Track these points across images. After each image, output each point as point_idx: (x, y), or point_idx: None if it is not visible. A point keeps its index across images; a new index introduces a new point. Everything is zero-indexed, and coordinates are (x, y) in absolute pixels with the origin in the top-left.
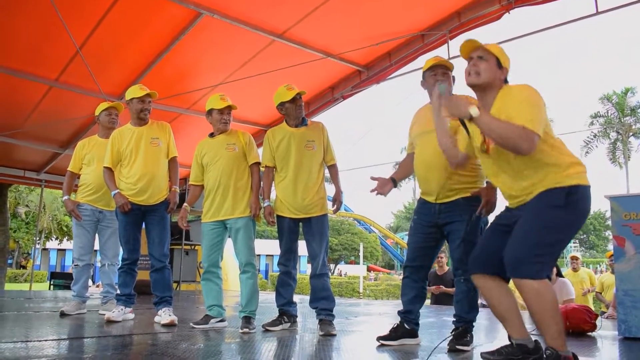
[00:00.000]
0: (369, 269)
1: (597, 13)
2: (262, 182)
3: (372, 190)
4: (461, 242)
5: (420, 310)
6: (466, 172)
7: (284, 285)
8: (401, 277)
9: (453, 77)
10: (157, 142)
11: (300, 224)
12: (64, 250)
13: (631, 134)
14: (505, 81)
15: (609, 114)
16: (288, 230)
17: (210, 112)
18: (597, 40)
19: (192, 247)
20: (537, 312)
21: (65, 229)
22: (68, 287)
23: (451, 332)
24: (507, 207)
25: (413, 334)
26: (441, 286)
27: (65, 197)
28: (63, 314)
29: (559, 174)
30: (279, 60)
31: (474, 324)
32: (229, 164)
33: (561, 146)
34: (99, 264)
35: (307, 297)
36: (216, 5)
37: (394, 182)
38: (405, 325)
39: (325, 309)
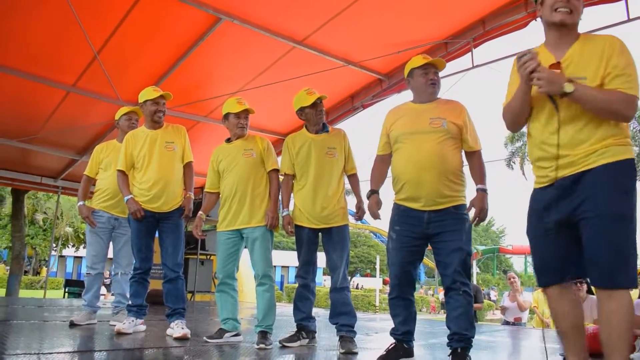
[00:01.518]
0: (384, 282)
1: (629, 20)
2: (280, 190)
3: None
4: (458, 252)
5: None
6: (458, 180)
7: (303, 299)
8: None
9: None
10: (172, 147)
11: (320, 234)
12: (81, 257)
13: None
14: None
15: (632, 128)
16: (307, 241)
17: (226, 117)
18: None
19: (208, 256)
20: (624, 326)
21: (82, 236)
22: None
23: (449, 355)
24: (540, 194)
25: (410, 353)
26: None
27: (80, 203)
28: (73, 324)
29: (622, 139)
30: (298, 67)
31: (472, 342)
32: (246, 170)
33: None
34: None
35: (323, 311)
36: (236, 10)
37: (377, 192)
38: (405, 345)
39: (346, 325)
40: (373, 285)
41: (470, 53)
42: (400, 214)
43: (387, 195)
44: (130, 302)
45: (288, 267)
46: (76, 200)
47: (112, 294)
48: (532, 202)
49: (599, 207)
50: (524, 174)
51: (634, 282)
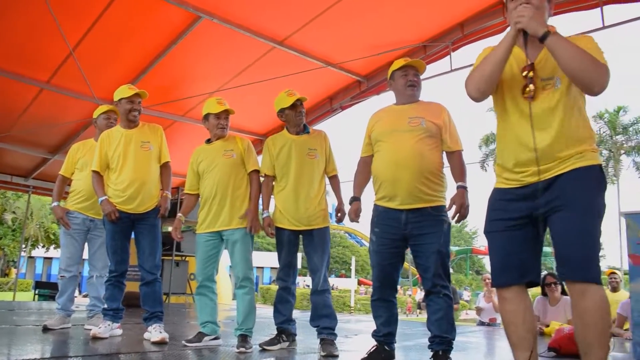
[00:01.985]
0: (359, 283)
1: (603, 27)
2: (260, 192)
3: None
4: (437, 255)
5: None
6: (436, 180)
7: (283, 302)
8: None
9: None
10: (147, 146)
11: (301, 236)
12: (51, 258)
13: (622, 152)
14: None
15: (601, 132)
16: (288, 243)
17: (206, 117)
18: None
19: (183, 258)
20: (597, 325)
21: (52, 237)
22: (53, 298)
23: (431, 357)
24: (501, 194)
25: (391, 355)
26: None
27: (55, 204)
28: (46, 329)
29: (591, 146)
30: (278, 67)
31: (453, 345)
32: (227, 171)
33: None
34: (86, 275)
35: (300, 313)
36: (216, 9)
37: (359, 199)
38: (386, 347)
39: (327, 328)
40: (348, 286)
41: (448, 56)
42: (379, 215)
43: (370, 198)
44: (105, 306)
45: (263, 267)
46: (47, 200)
47: (84, 296)
48: (492, 199)
49: (570, 200)
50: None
51: (598, 277)
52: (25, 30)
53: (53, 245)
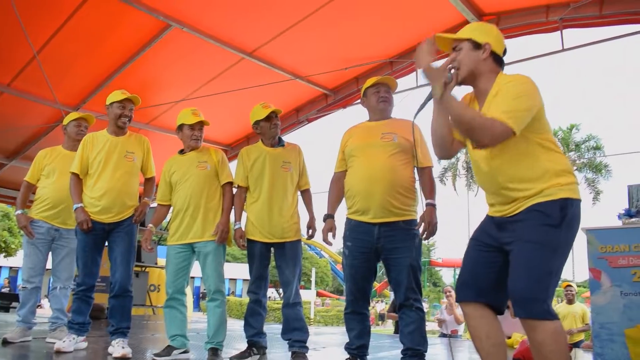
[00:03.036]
0: (318, 294)
1: (563, 50)
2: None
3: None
4: (410, 269)
5: None
6: (408, 195)
7: (254, 315)
8: None
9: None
10: (131, 157)
11: (272, 249)
12: (0, 267)
13: (575, 168)
14: (499, 61)
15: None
16: (260, 256)
17: (180, 128)
18: (545, 78)
19: (143, 268)
20: (551, 355)
21: (2, 244)
22: (4, 309)
23: None
24: (487, 219)
25: None
26: None
27: (19, 212)
28: (6, 342)
29: (550, 182)
30: (246, 78)
31: (425, 357)
32: (200, 182)
33: (556, 150)
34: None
35: (276, 326)
36: (187, 18)
37: (333, 217)
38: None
39: (299, 341)
40: (308, 297)
41: (414, 73)
42: (352, 228)
43: (343, 213)
44: (71, 319)
45: (227, 279)
46: (1, 206)
47: (38, 306)
48: (483, 220)
49: (519, 238)
50: (455, 189)
51: (550, 312)
52: None
53: (3, 254)
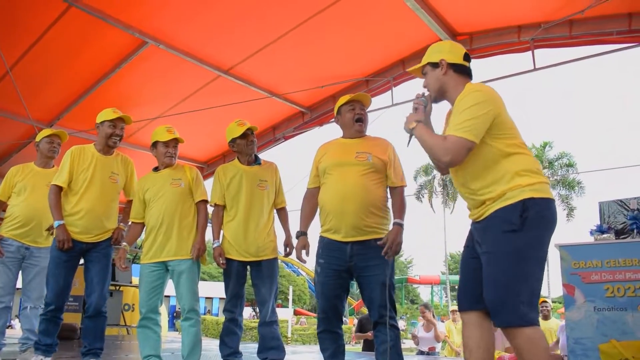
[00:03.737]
0: (295, 313)
1: (535, 69)
2: (211, 221)
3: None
4: (383, 286)
5: None
6: (381, 213)
7: (230, 334)
8: None
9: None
10: (115, 178)
11: (249, 267)
12: None
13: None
14: (462, 69)
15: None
16: (236, 274)
17: (155, 145)
18: (519, 96)
19: (117, 287)
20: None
21: None
22: None
23: None
24: (471, 226)
25: None
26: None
27: None
28: None
29: (509, 184)
30: (222, 96)
31: None
32: (174, 200)
33: (520, 152)
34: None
35: (252, 345)
36: (163, 35)
37: (305, 234)
38: None
39: None
40: (285, 316)
41: (390, 91)
42: (324, 247)
43: (316, 230)
44: (39, 340)
45: (212, 298)
46: None
47: (9, 327)
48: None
49: (485, 248)
50: (432, 206)
51: (524, 318)
52: None
53: None
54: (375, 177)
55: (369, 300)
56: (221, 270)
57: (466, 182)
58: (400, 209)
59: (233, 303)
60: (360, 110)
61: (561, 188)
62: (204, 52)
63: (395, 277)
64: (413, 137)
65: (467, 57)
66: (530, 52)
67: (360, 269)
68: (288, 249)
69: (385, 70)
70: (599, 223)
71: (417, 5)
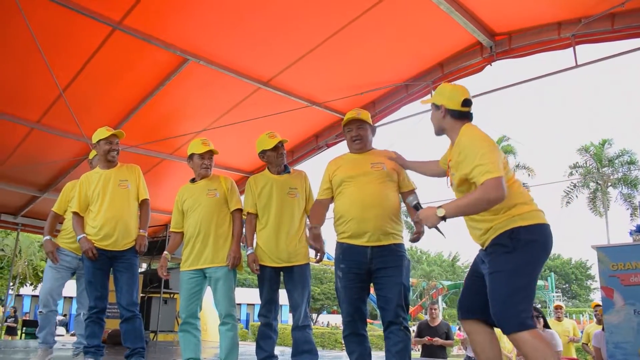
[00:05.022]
0: None
1: (577, 66)
2: (244, 230)
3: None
4: (400, 287)
5: None
6: (397, 220)
7: (265, 338)
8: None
9: (373, 128)
10: (125, 185)
11: (282, 273)
12: (39, 297)
13: (609, 184)
14: (460, 115)
15: (588, 165)
16: (269, 280)
17: (191, 157)
18: (576, 93)
19: (171, 295)
20: None
21: (40, 274)
22: (32, 335)
23: None
24: (479, 251)
25: None
26: (437, 338)
27: (47, 238)
28: None
29: (503, 216)
30: (263, 107)
31: None
32: (210, 210)
33: (510, 187)
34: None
35: (289, 349)
36: (202, 51)
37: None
38: None
39: None
40: (338, 322)
41: (429, 95)
42: (344, 252)
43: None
44: (87, 343)
45: (254, 305)
46: (36, 238)
47: (72, 334)
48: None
49: (488, 269)
50: None
51: (523, 324)
52: (16, 72)
53: (41, 283)
54: (391, 186)
55: (384, 300)
56: (254, 276)
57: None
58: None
59: (267, 308)
60: (358, 131)
61: (623, 187)
62: (243, 65)
63: (453, 282)
64: (444, 223)
65: (466, 103)
66: (571, 49)
67: (378, 271)
68: (319, 255)
69: (424, 74)
70: (638, 223)
71: (451, 8)
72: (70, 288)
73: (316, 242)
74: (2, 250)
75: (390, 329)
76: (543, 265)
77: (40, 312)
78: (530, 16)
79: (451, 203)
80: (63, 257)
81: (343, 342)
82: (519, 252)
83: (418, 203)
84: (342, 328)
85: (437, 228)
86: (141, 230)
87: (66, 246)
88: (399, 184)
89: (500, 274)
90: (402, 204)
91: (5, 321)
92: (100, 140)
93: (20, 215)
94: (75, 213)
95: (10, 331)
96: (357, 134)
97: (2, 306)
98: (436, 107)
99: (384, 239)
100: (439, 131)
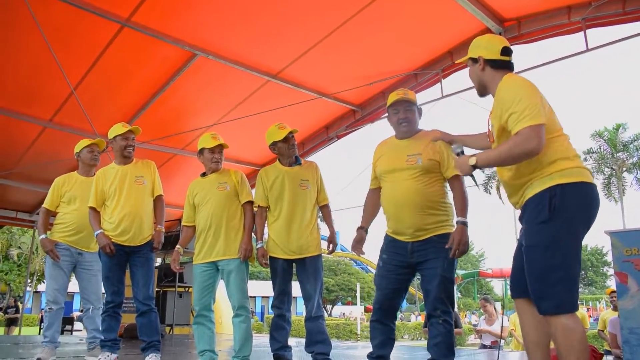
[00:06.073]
0: (366, 310)
1: (588, 50)
2: (254, 222)
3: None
4: (440, 280)
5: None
6: (439, 211)
7: (278, 329)
8: (400, 319)
9: (419, 109)
10: (141, 181)
11: (294, 264)
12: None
13: (624, 169)
14: (501, 64)
15: (602, 150)
16: (282, 272)
17: (201, 152)
18: (588, 77)
19: (186, 289)
20: (562, 350)
21: None
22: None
23: None
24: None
25: None
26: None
27: (43, 236)
28: None
29: (539, 173)
30: (273, 100)
31: None
32: (220, 203)
33: (554, 140)
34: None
35: (304, 340)
36: (211, 46)
37: (365, 230)
38: None
39: (322, 353)
40: (355, 313)
41: (439, 83)
42: (388, 244)
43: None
44: (103, 337)
45: (268, 297)
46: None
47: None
48: None
49: (524, 242)
50: (500, 197)
51: (560, 307)
52: (28, 72)
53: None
54: (426, 179)
55: (425, 292)
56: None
57: (505, 172)
58: (461, 205)
59: (280, 299)
60: (405, 113)
61: (638, 171)
62: (251, 58)
63: (467, 271)
64: (476, 171)
65: (505, 51)
66: (582, 33)
67: (420, 264)
68: (332, 246)
69: (433, 62)
70: None
71: None
72: (71, 286)
73: (357, 245)
74: (20, 248)
75: (430, 321)
76: (587, 232)
77: (49, 309)
78: (539, 1)
79: (483, 153)
80: (63, 252)
81: (369, 327)
82: (555, 222)
83: (462, 152)
84: (356, 319)
85: (472, 176)
86: (159, 226)
87: (64, 240)
88: (441, 172)
89: (535, 250)
90: (449, 190)
91: (6, 312)
92: (116, 136)
93: (35, 213)
94: (92, 208)
95: (12, 322)
96: (405, 116)
97: (21, 303)
98: (473, 60)
99: (423, 235)
100: (481, 88)
